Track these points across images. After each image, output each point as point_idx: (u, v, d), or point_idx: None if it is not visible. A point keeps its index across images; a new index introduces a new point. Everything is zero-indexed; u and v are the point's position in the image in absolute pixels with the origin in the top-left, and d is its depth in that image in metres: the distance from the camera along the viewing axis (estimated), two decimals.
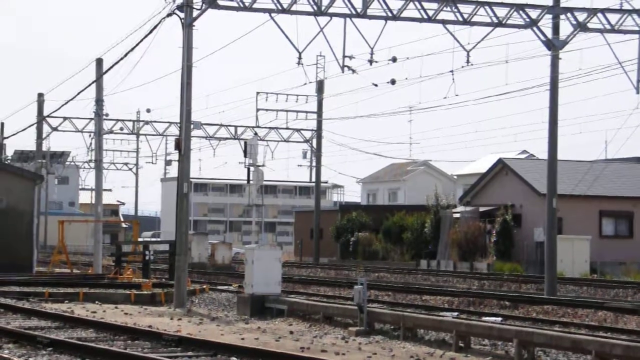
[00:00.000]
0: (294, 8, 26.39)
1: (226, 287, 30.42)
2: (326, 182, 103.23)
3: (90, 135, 54.30)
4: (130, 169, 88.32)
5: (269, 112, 58.80)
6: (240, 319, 22.11)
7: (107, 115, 42.27)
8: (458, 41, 27.83)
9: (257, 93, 57.94)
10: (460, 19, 27.52)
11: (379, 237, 59.42)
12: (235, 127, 59.64)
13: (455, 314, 21.23)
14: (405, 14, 27.21)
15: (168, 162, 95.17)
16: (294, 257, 67.56)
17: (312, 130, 61.93)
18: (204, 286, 29.61)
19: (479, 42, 27.97)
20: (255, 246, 24.09)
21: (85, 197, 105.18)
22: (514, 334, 15.77)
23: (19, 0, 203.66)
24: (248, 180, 28.63)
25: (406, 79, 30.69)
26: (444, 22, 27.53)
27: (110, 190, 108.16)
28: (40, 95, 50.13)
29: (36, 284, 29.56)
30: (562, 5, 29.00)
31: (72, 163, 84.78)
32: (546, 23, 28.58)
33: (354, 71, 27.87)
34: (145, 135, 62.57)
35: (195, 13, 25.59)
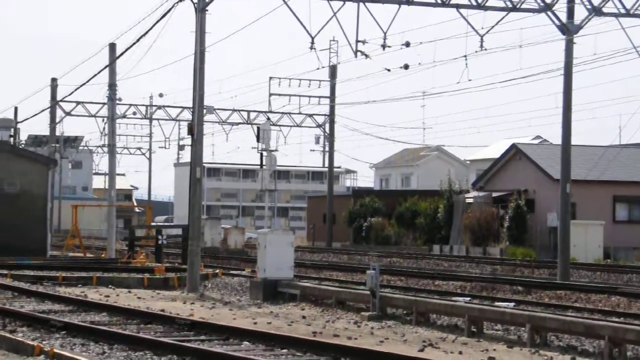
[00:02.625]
0: None
1: (239, 271, 30.48)
2: (339, 167, 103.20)
3: (103, 120, 54.39)
4: (144, 154, 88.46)
5: (281, 97, 58.74)
6: (252, 303, 22.15)
7: (120, 99, 42.33)
8: (472, 26, 27.73)
9: (270, 78, 57.89)
10: (474, 3, 27.39)
11: (391, 222, 59.40)
12: (248, 112, 59.64)
13: (468, 299, 21.21)
14: None
15: (181, 147, 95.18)
16: (306, 242, 67.64)
17: (324, 115, 61.84)
18: (217, 271, 29.67)
19: (492, 27, 27.85)
20: (268, 231, 24.10)
21: (99, 182, 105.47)
22: (526, 319, 15.74)
23: None
24: (261, 165, 28.57)
25: (419, 64, 30.61)
26: (457, 6, 27.40)
27: (123, 174, 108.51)
28: (54, 79, 50.21)
29: (50, 267, 29.68)
30: None
31: (86, 147, 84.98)
32: (561, 7, 28.44)
33: (367, 56, 27.81)
34: (158, 120, 62.70)
35: None
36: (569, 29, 28.60)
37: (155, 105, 61.41)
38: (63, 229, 71.28)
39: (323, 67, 34.11)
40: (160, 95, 66.34)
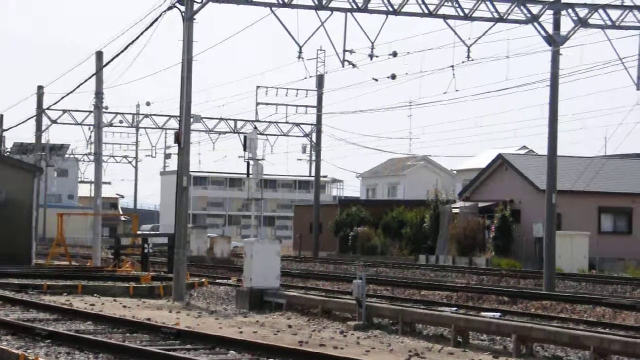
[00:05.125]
0: (294, 2, 26.38)
1: (225, 280, 30.44)
2: (325, 177, 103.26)
3: (89, 128, 54.26)
4: (130, 162, 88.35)
5: (268, 106, 58.81)
6: (238, 312, 22.12)
7: (106, 108, 42.24)
8: (459, 36, 27.84)
9: (257, 87, 57.94)
10: (461, 14, 27.50)
11: (378, 232, 59.42)
12: (235, 120, 59.61)
13: (454, 309, 21.24)
14: (406, 8, 27.20)
15: (167, 156, 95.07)
16: (292, 251, 67.58)
17: (311, 124, 61.89)
18: (203, 279, 29.62)
19: (479, 37, 27.98)
20: (255, 240, 24.08)
21: (85, 190, 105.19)
22: (512, 329, 15.77)
23: None
24: (247, 174, 28.61)
25: (406, 73, 30.71)
26: (444, 17, 27.50)
27: (109, 183, 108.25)
28: (40, 87, 50.07)
29: (35, 276, 29.55)
30: (563, 0, 28.98)
31: (72, 156, 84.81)
32: (547, 18, 28.57)
33: (354, 66, 27.87)
34: (145, 128, 62.59)
35: (195, 6, 25.54)
36: (555, 40, 28.74)
37: (142, 114, 61.32)
38: (48, 237, 71.00)
39: (310, 76, 34.26)
40: (148, 103, 66.37)
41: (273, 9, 26.31)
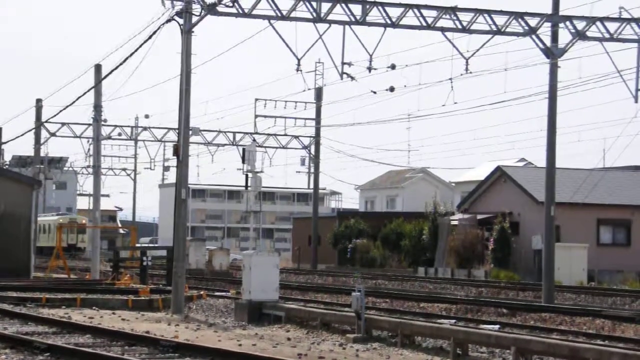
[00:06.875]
0: (293, 15, 26.44)
1: (224, 293, 30.41)
2: (324, 189, 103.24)
3: (88, 141, 54.19)
4: (129, 175, 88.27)
5: (267, 118, 58.78)
6: (237, 325, 22.10)
7: (105, 120, 42.26)
8: (457, 49, 27.89)
9: (256, 99, 57.93)
10: (460, 26, 27.57)
11: (376, 244, 59.38)
12: (234, 133, 59.61)
13: (453, 321, 21.21)
14: (404, 21, 27.26)
15: (166, 168, 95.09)
16: (291, 264, 67.52)
17: (310, 137, 61.94)
18: (202, 292, 29.59)
19: (477, 50, 28.03)
20: (253, 252, 24.07)
21: (83, 203, 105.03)
22: (511, 342, 15.77)
23: (18, 3, 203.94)
24: (246, 186, 28.53)
25: (405, 86, 30.65)
26: (443, 29, 27.58)
27: (108, 196, 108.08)
28: (39, 100, 50.11)
29: (33, 289, 29.53)
30: (561, 13, 29.06)
31: (70, 168, 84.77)
32: (545, 31, 28.64)
33: (352, 78, 27.89)
34: (143, 141, 62.48)
35: (194, 19, 25.60)
36: (553, 53, 28.80)
37: (141, 127, 61.30)
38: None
39: (309, 89, 34.23)
40: (146, 116, 66.37)
41: (271, 21, 26.37)
